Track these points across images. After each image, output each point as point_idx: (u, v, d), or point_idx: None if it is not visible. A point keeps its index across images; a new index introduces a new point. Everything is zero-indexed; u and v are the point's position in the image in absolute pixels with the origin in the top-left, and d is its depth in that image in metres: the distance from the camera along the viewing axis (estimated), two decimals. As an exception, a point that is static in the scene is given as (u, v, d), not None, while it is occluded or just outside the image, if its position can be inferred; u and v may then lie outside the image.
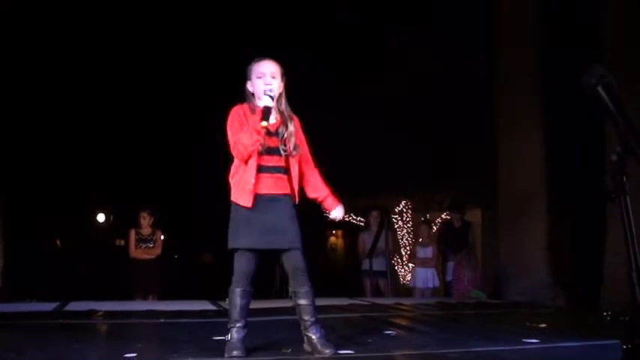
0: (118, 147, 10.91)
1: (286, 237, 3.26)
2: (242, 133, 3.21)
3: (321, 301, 3.38)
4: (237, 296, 3.25)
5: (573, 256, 7.10)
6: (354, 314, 5.28)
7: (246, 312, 3.27)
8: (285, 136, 3.30)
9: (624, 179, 1.90)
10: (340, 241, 16.20)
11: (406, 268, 11.79)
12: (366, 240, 8.51)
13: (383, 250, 8.36)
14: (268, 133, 3.24)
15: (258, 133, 3.18)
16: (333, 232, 16.07)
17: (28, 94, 9.34)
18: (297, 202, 3.36)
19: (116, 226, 13.59)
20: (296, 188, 3.35)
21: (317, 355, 3.23)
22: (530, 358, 3.46)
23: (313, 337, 3.26)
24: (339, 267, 14.27)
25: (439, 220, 11.63)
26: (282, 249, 3.29)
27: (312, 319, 3.29)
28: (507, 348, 3.56)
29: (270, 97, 3.25)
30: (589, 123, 5.69)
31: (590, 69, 1.97)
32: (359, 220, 12.06)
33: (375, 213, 8.68)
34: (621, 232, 1.92)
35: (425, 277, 8.36)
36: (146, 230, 7.77)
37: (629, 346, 1.85)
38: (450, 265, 8.20)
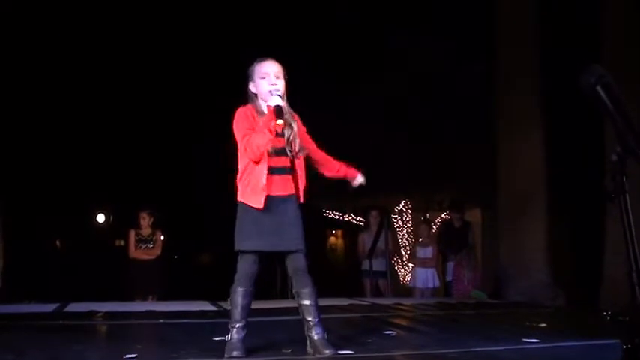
0: (117, 147, 10.91)
1: (292, 239, 3.27)
2: (254, 133, 3.19)
3: (321, 301, 3.38)
4: (238, 296, 3.25)
5: (573, 256, 7.10)
6: (354, 314, 5.29)
7: (247, 312, 3.27)
8: (291, 137, 3.29)
9: (624, 179, 1.90)
10: (340, 241, 16.20)
11: (406, 268, 11.79)
12: (365, 240, 8.51)
13: (383, 250, 8.36)
14: (275, 134, 3.23)
15: (271, 132, 3.16)
16: (333, 232, 16.07)
17: (28, 94, 9.34)
18: (301, 202, 3.36)
19: (116, 226, 13.59)
20: (301, 188, 3.35)
21: (317, 356, 3.22)
22: (530, 357, 3.46)
23: (314, 337, 3.26)
24: (338, 267, 14.26)
25: (439, 220, 11.62)
26: (286, 250, 3.29)
27: (315, 320, 3.28)
28: (507, 348, 3.56)
29: (278, 95, 3.24)
30: (589, 123, 5.70)
31: (589, 68, 1.97)
32: (359, 220, 12.06)
33: (374, 213, 8.68)
34: (621, 232, 1.91)
35: (425, 277, 8.36)
36: (146, 231, 7.76)
37: (629, 345, 1.84)
38: (450, 265, 8.19)
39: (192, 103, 10.23)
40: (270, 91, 3.25)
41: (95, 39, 9.09)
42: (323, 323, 3.32)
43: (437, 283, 8.43)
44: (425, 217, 11.50)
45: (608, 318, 1.92)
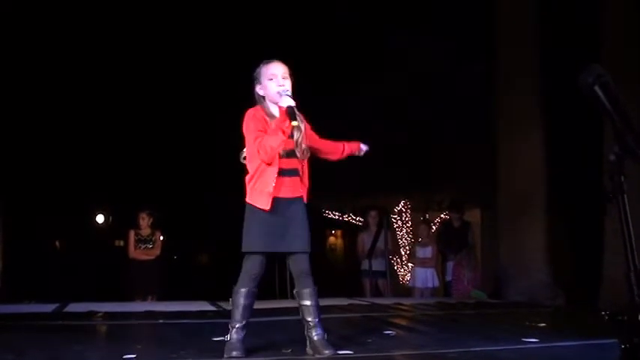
0: (117, 148, 10.90)
1: (298, 240, 3.28)
2: (267, 135, 3.19)
3: (321, 302, 3.39)
4: (241, 296, 3.26)
5: (573, 256, 7.09)
6: (354, 314, 5.29)
7: (249, 313, 3.28)
8: (300, 139, 3.30)
9: (622, 179, 1.90)
10: (339, 241, 16.20)
11: (405, 268, 11.79)
12: (365, 240, 8.51)
13: (382, 250, 8.36)
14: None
15: (284, 133, 3.17)
16: (333, 232, 16.07)
17: (28, 94, 9.34)
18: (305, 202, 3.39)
19: (115, 226, 13.58)
20: (305, 190, 3.37)
21: (316, 356, 3.23)
22: (530, 357, 3.46)
23: (314, 337, 3.27)
24: (338, 267, 14.28)
25: (438, 219, 11.62)
26: (292, 251, 3.30)
27: (315, 320, 3.29)
28: (507, 347, 3.57)
29: (289, 96, 3.24)
30: (589, 123, 5.69)
31: (588, 68, 1.97)
32: (358, 220, 12.06)
33: (373, 213, 8.68)
34: (620, 232, 1.91)
35: (424, 277, 8.36)
36: (145, 231, 7.75)
37: (628, 345, 1.84)
38: (450, 265, 8.19)
39: (191, 104, 10.22)
40: (280, 93, 3.25)
41: (95, 40, 9.09)
42: (323, 324, 3.32)
43: (436, 283, 8.43)
44: (424, 217, 11.50)
45: (607, 318, 1.92)
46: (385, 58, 9.51)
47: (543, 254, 6.87)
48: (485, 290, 7.40)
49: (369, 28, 9.17)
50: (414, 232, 11.37)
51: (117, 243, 12.14)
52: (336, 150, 3.59)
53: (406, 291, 9.78)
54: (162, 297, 7.54)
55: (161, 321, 4.85)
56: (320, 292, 3.36)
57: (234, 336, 3.23)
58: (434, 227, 10.52)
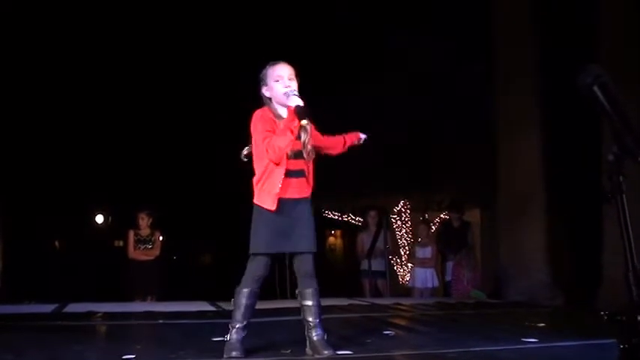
0: (116, 148, 10.90)
1: (304, 240, 3.29)
2: (275, 135, 3.20)
3: (321, 302, 3.38)
4: (243, 297, 3.26)
5: (572, 256, 7.09)
6: (353, 314, 5.29)
7: (250, 313, 3.29)
8: (306, 141, 3.31)
9: (621, 179, 1.90)
10: (339, 242, 16.20)
11: (405, 268, 11.78)
12: (364, 240, 8.50)
13: (382, 250, 8.36)
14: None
15: (293, 132, 3.17)
16: (332, 232, 16.06)
17: (28, 94, 9.34)
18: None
19: (115, 227, 13.58)
20: (311, 189, 3.38)
21: (316, 356, 3.23)
22: (529, 357, 3.47)
23: (314, 338, 3.27)
24: (338, 267, 14.27)
25: (438, 219, 11.61)
26: (297, 252, 3.31)
27: (316, 321, 3.29)
28: (506, 348, 3.57)
29: (296, 95, 3.24)
30: (589, 123, 5.68)
31: (587, 68, 1.96)
32: (357, 220, 12.05)
33: (372, 213, 8.67)
34: (619, 233, 1.91)
35: (424, 277, 8.35)
36: (145, 231, 7.74)
37: (626, 345, 1.84)
38: (450, 265, 8.19)
39: (190, 104, 10.23)
40: (287, 93, 3.25)
41: (95, 41, 9.09)
42: (323, 324, 3.33)
43: (436, 283, 8.42)
44: (424, 217, 11.49)
45: (606, 318, 1.92)
46: (385, 58, 9.52)
47: (543, 254, 6.87)
48: (484, 290, 7.40)
49: (369, 28, 9.17)
50: (414, 232, 11.36)
51: (116, 243, 12.14)
52: (338, 144, 3.62)
53: (406, 291, 9.78)
54: (162, 297, 7.54)
55: (160, 321, 4.85)
56: (320, 292, 3.36)
57: (235, 336, 3.24)
58: (433, 227, 10.51)
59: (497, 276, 7.35)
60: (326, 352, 3.23)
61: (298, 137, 3.27)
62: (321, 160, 3.58)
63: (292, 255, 3.34)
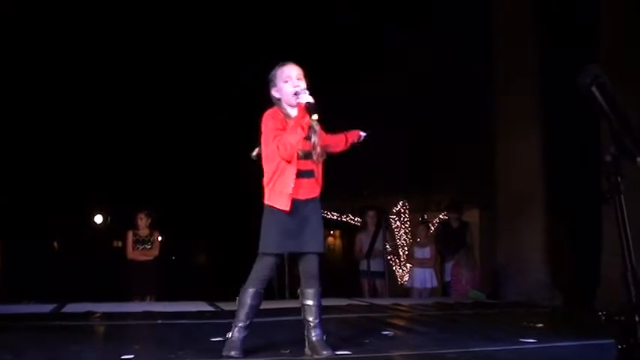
0: (115, 148, 10.91)
1: (313, 241, 3.30)
2: (285, 133, 3.20)
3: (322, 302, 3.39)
4: (248, 296, 3.27)
5: (571, 257, 7.08)
6: (352, 315, 5.28)
7: (254, 314, 3.30)
8: (316, 142, 3.33)
9: (619, 179, 1.89)
10: (338, 242, 16.19)
11: (404, 269, 11.77)
12: (363, 240, 8.49)
13: (380, 250, 8.35)
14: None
15: (303, 129, 3.18)
16: (331, 232, 16.05)
17: (27, 94, 9.35)
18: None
19: (113, 227, 13.59)
20: (319, 191, 3.39)
21: (315, 357, 3.23)
22: (528, 357, 3.47)
23: (313, 338, 3.28)
24: (336, 267, 14.26)
25: (437, 220, 11.61)
26: (304, 252, 3.31)
27: (316, 321, 3.30)
28: (505, 348, 3.58)
29: (307, 93, 3.26)
30: (588, 123, 5.68)
31: (585, 69, 1.96)
32: (356, 221, 12.04)
33: (371, 213, 8.66)
34: (617, 233, 1.91)
35: (423, 278, 8.34)
36: (143, 231, 7.72)
37: (624, 345, 1.84)
38: (448, 265, 8.18)
39: (189, 105, 10.23)
40: (297, 92, 3.26)
41: (94, 41, 9.10)
42: (323, 325, 3.33)
43: (435, 283, 8.41)
44: (423, 218, 11.48)
45: (604, 318, 1.92)
46: (385, 58, 9.52)
47: (542, 254, 6.87)
48: (483, 290, 7.39)
49: (369, 28, 9.18)
50: (413, 233, 11.36)
51: (115, 243, 12.14)
52: (340, 142, 3.64)
53: (405, 291, 9.76)
54: (161, 297, 7.52)
55: (159, 321, 4.84)
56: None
57: (236, 335, 3.25)
58: (432, 228, 10.50)
59: (495, 276, 7.34)
60: (325, 352, 3.23)
61: (308, 138, 3.29)
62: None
63: (297, 254, 3.34)
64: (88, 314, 5.13)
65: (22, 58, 8.72)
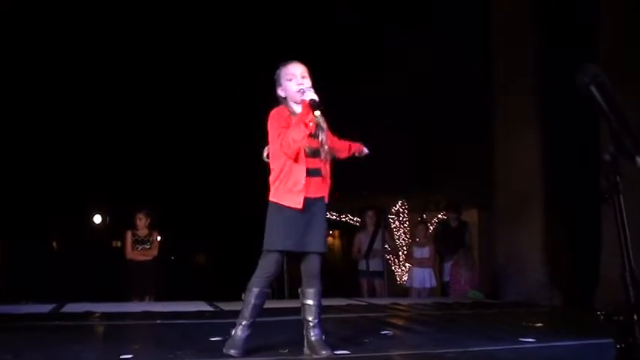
0: (114, 148, 10.91)
1: (316, 240, 3.30)
2: (289, 129, 3.21)
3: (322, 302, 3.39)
4: (253, 295, 3.28)
5: (570, 256, 7.08)
6: (351, 314, 5.29)
7: (258, 312, 3.31)
8: (324, 140, 3.33)
9: (617, 179, 1.89)
10: (337, 242, 16.19)
11: (403, 268, 11.77)
12: (362, 240, 8.50)
13: (379, 250, 8.35)
14: (310, 135, 3.25)
15: (306, 126, 3.18)
16: (330, 232, 16.05)
17: (27, 94, 9.35)
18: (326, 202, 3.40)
19: (113, 227, 13.59)
20: (327, 190, 3.39)
21: (313, 356, 3.23)
22: (527, 357, 3.47)
23: (312, 338, 3.28)
24: (336, 267, 14.27)
25: (435, 219, 11.61)
26: (307, 251, 3.31)
27: (315, 321, 3.31)
28: (504, 347, 3.58)
29: (312, 91, 3.26)
30: (588, 123, 5.68)
31: (584, 68, 1.96)
32: (355, 221, 12.04)
33: (370, 213, 8.66)
34: (615, 232, 1.91)
35: (422, 277, 8.33)
36: (142, 231, 7.71)
37: (623, 345, 1.84)
38: (447, 265, 8.18)
39: (189, 104, 10.23)
40: (302, 90, 3.27)
41: (93, 40, 9.10)
42: (322, 325, 3.33)
43: (434, 283, 8.41)
44: (422, 217, 11.48)
45: (602, 318, 1.92)
46: (385, 58, 9.52)
47: (541, 254, 6.87)
48: (482, 290, 7.39)
49: (369, 28, 9.18)
50: (412, 233, 11.36)
51: (114, 243, 12.14)
52: (345, 148, 3.64)
53: (403, 291, 9.77)
54: (160, 297, 7.52)
55: (158, 321, 4.84)
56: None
57: (239, 333, 3.26)
58: (431, 227, 10.51)
59: (495, 276, 7.34)
60: (324, 351, 3.24)
61: (316, 135, 3.29)
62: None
63: (300, 254, 3.33)
64: (87, 314, 5.12)
65: (22, 58, 8.72)
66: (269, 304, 3.38)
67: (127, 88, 9.83)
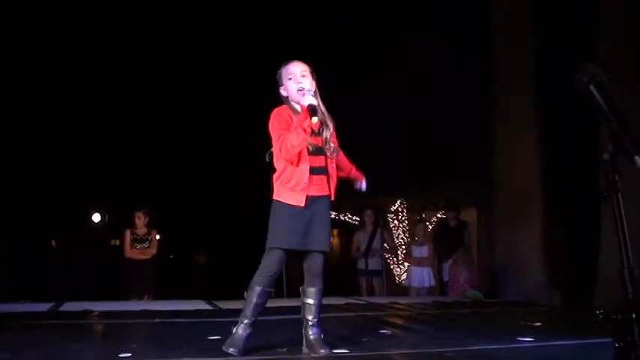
0: (113, 147, 10.91)
1: (320, 239, 3.31)
2: (288, 133, 3.20)
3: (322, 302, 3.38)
4: (255, 294, 3.27)
5: (569, 256, 7.08)
6: (350, 313, 5.29)
7: (259, 311, 3.30)
8: (328, 137, 3.32)
9: (616, 178, 1.89)
10: (336, 241, 16.18)
11: (402, 268, 11.77)
12: (360, 239, 8.50)
13: (378, 249, 8.35)
14: (313, 132, 3.24)
15: (305, 131, 3.17)
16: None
17: (26, 94, 9.35)
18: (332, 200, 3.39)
19: (111, 225, 13.60)
20: (333, 187, 3.38)
21: (312, 355, 3.23)
22: (525, 356, 3.46)
23: (311, 337, 3.28)
24: (335, 266, 14.27)
25: (434, 219, 11.61)
26: (311, 250, 3.31)
27: (315, 320, 3.30)
28: (503, 346, 3.58)
29: (310, 95, 3.25)
30: (587, 123, 5.68)
31: (583, 67, 1.96)
32: (354, 220, 12.04)
33: (369, 212, 8.67)
34: (614, 231, 1.91)
35: (421, 277, 8.34)
36: (141, 230, 7.72)
37: (621, 344, 1.84)
38: (446, 264, 8.18)
39: (188, 104, 10.23)
40: (302, 92, 3.26)
41: (93, 40, 9.10)
42: (322, 324, 3.33)
43: (433, 282, 8.41)
44: (421, 217, 11.48)
45: (601, 317, 1.92)
46: (385, 58, 9.52)
47: (540, 254, 6.87)
48: (481, 290, 7.39)
49: (369, 28, 9.18)
50: (411, 232, 11.36)
51: (113, 242, 12.14)
52: (346, 168, 3.62)
53: (402, 290, 9.77)
54: (159, 296, 7.52)
55: (157, 320, 4.83)
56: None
57: (240, 332, 3.26)
58: (430, 227, 10.51)
59: (494, 275, 7.34)
60: (322, 350, 3.23)
61: (319, 133, 3.29)
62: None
63: (303, 252, 3.33)
64: (86, 313, 5.12)
65: (22, 58, 8.72)
66: (267, 303, 3.38)
67: (127, 88, 9.83)
